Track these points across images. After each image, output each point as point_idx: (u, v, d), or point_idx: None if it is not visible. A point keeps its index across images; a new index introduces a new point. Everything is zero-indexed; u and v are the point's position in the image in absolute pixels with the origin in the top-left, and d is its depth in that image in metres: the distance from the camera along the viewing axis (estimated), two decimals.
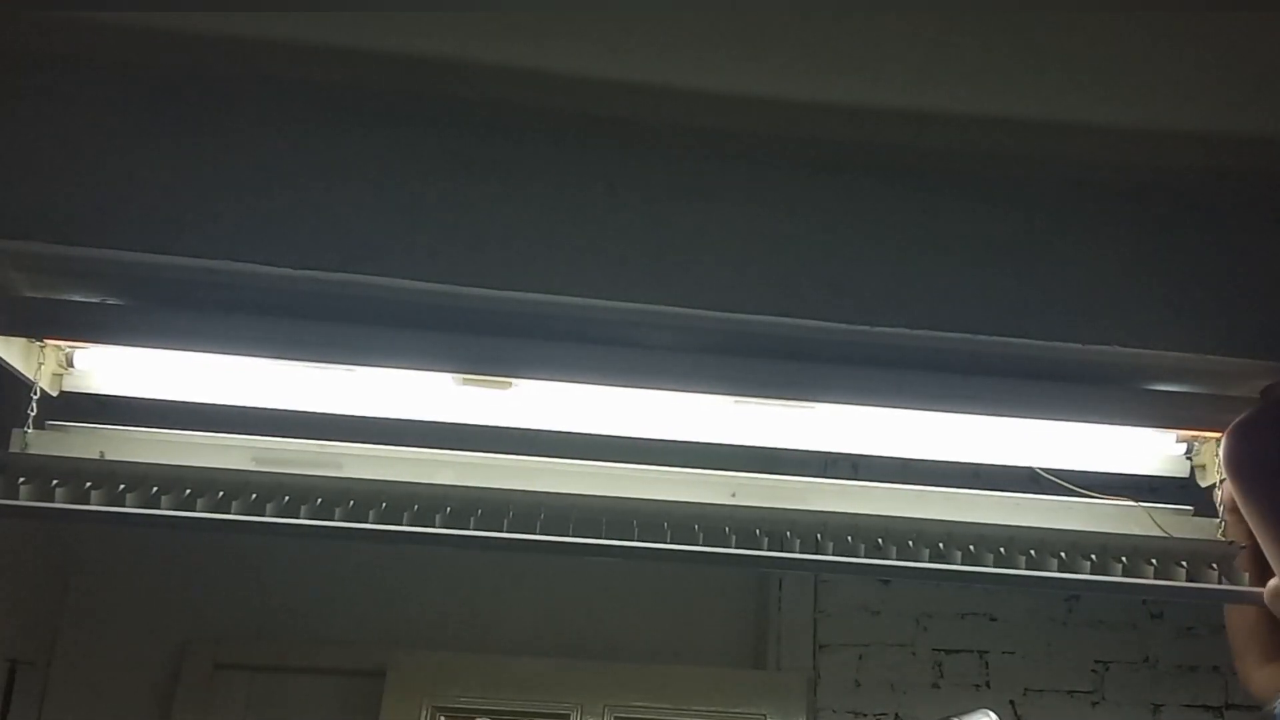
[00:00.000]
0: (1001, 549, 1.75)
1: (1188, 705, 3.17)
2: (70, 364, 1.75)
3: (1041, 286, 1.56)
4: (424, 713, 2.95)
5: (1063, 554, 1.76)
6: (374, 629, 3.05)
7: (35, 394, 1.70)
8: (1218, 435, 1.60)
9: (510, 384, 1.70)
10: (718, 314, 1.52)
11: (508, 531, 1.71)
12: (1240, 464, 1.44)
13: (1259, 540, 1.42)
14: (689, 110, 1.52)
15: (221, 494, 1.70)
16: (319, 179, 1.50)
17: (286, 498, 1.70)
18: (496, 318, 1.56)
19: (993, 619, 3.21)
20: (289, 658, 3.06)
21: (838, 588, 3.21)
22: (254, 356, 1.62)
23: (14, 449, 1.72)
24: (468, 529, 1.71)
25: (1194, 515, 1.77)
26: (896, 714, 3.14)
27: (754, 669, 3.14)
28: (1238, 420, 1.46)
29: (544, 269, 1.49)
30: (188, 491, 1.70)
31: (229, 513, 1.69)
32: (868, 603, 3.20)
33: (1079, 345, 1.54)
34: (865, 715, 3.14)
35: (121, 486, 1.69)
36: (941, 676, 3.18)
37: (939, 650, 3.19)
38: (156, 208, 1.46)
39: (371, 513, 1.71)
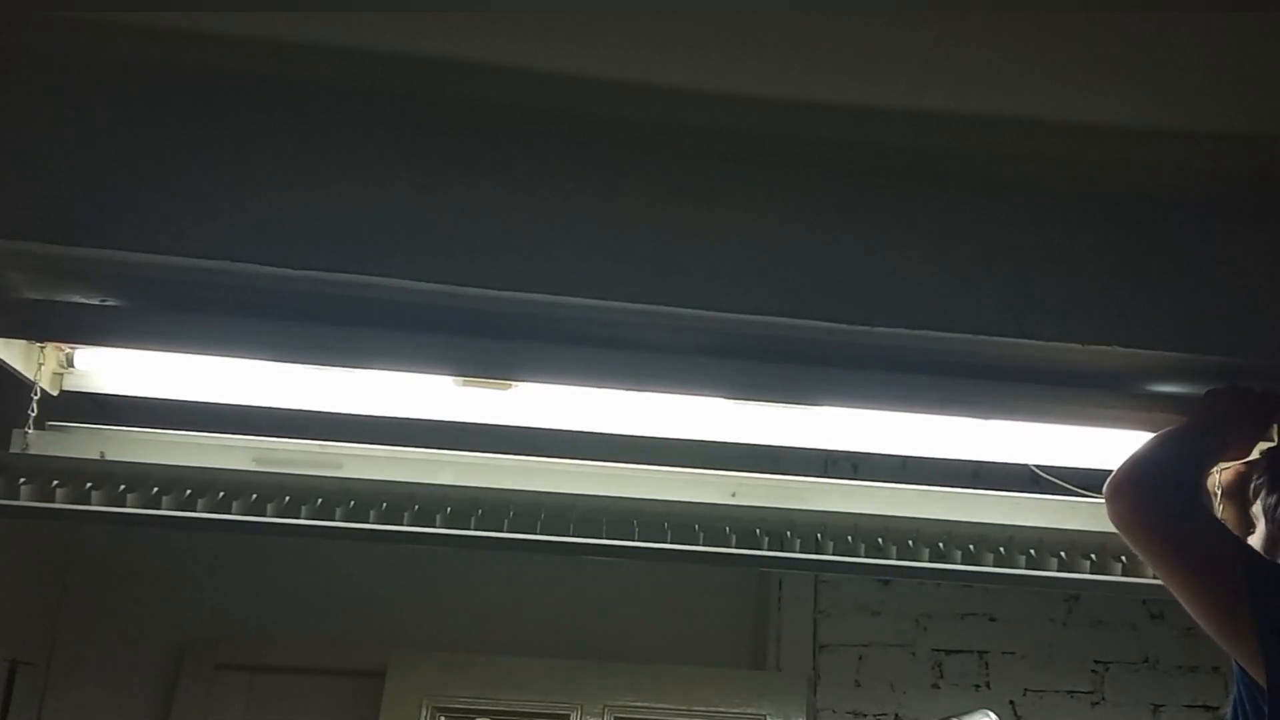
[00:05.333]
0: (1001, 548, 1.76)
1: (1188, 705, 3.16)
2: (70, 364, 1.75)
3: (1041, 286, 1.56)
4: (424, 713, 2.94)
5: (1062, 553, 1.76)
6: (374, 629, 3.04)
7: (35, 394, 1.70)
8: None
9: (510, 385, 1.70)
10: (718, 314, 1.52)
11: (508, 531, 1.71)
12: (1120, 523, 1.46)
13: (1168, 585, 1.43)
14: (689, 110, 1.52)
15: (221, 494, 1.70)
16: (319, 179, 1.50)
17: (287, 498, 1.70)
18: (496, 318, 1.56)
19: (993, 619, 3.20)
20: (289, 658, 3.05)
21: (838, 588, 3.20)
22: (254, 357, 1.62)
23: (14, 449, 1.72)
24: (468, 529, 1.71)
25: None
26: (896, 714, 3.13)
27: (754, 669, 3.13)
28: (1106, 483, 1.48)
29: (544, 269, 1.49)
30: (188, 491, 1.70)
31: (229, 513, 1.70)
32: (868, 603, 3.19)
33: (1079, 345, 1.54)
34: (865, 715, 3.13)
35: (122, 486, 1.69)
36: (941, 676, 3.17)
37: (939, 650, 3.18)
38: (156, 208, 1.46)
39: (371, 513, 1.71)
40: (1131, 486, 1.45)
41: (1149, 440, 1.52)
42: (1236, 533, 1.55)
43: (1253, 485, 1.56)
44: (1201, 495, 1.48)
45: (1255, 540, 1.50)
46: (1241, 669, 1.36)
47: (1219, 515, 1.63)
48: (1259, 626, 1.31)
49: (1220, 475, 1.63)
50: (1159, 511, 1.43)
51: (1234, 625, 1.33)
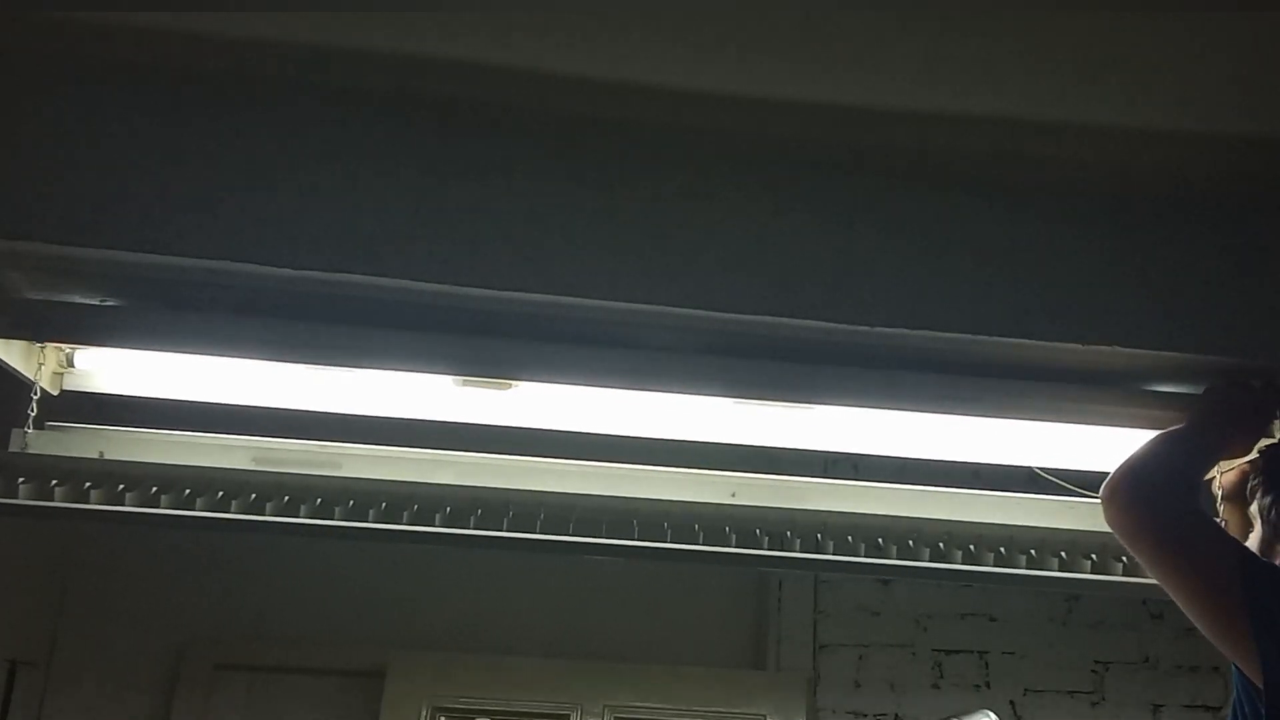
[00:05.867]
0: (1001, 549, 1.76)
1: (1188, 705, 3.16)
2: (70, 364, 1.75)
3: (1041, 287, 1.56)
4: (424, 713, 2.94)
5: (1063, 553, 1.76)
6: (374, 629, 3.04)
7: (35, 394, 1.70)
8: None
9: (510, 384, 1.70)
10: (718, 314, 1.52)
11: (508, 531, 1.71)
12: (1117, 526, 1.46)
13: (1165, 588, 1.42)
14: (689, 110, 1.52)
15: (221, 494, 1.70)
16: (319, 179, 1.50)
17: (286, 498, 1.70)
18: (496, 318, 1.56)
19: (993, 619, 3.20)
20: (289, 658, 3.05)
21: (838, 588, 3.20)
22: (254, 357, 1.62)
23: (14, 449, 1.72)
24: (467, 529, 1.71)
25: None
26: (896, 714, 3.13)
27: (754, 669, 3.13)
28: (1102, 486, 1.48)
29: (544, 269, 1.49)
30: (187, 491, 1.70)
31: (228, 512, 1.70)
32: (868, 603, 3.19)
33: (1079, 345, 1.54)
34: (865, 715, 3.13)
35: (121, 486, 1.69)
36: (941, 676, 3.17)
37: (939, 650, 3.18)
38: (156, 208, 1.46)
39: (371, 512, 1.71)
40: (1127, 489, 1.45)
41: (1146, 442, 1.51)
42: (1239, 534, 1.55)
43: (1249, 485, 1.56)
44: (1198, 497, 1.47)
45: (1252, 541, 1.50)
46: (1239, 672, 1.36)
47: (1221, 517, 1.63)
48: (1256, 628, 1.31)
49: (1222, 476, 1.63)
50: (1155, 514, 1.42)
51: (1231, 627, 1.33)
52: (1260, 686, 1.30)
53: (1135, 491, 1.44)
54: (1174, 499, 1.43)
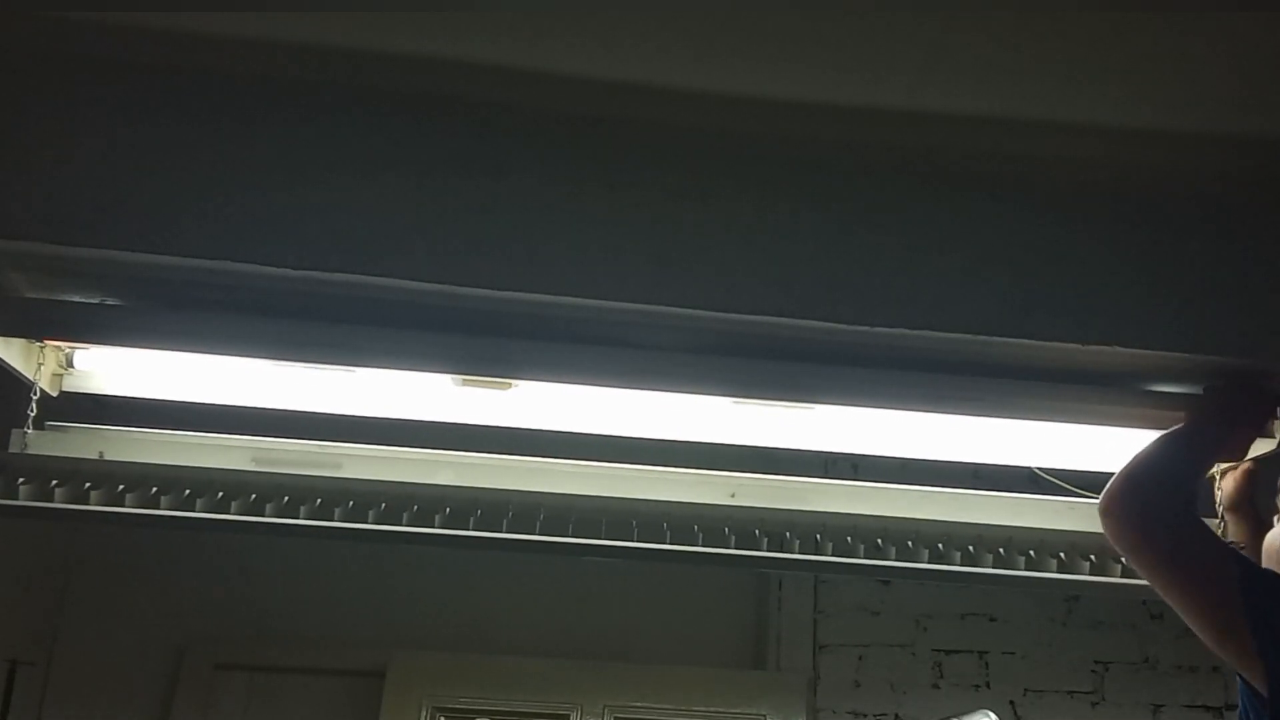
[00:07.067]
0: (1001, 549, 1.76)
1: (1188, 705, 3.16)
2: (70, 364, 1.75)
3: (1041, 287, 1.56)
4: (424, 713, 2.95)
5: (1062, 554, 1.76)
6: (374, 629, 3.05)
7: (35, 394, 1.70)
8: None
9: (510, 385, 1.70)
10: (718, 314, 1.52)
11: (507, 531, 1.71)
12: (1115, 537, 1.46)
13: (1165, 597, 1.42)
14: (689, 110, 1.52)
15: (220, 494, 1.70)
16: (319, 179, 1.50)
17: (286, 498, 1.70)
18: (496, 318, 1.56)
19: (993, 619, 3.20)
20: (289, 658, 3.05)
21: (838, 588, 3.20)
22: (254, 357, 1.62)
23: (14, 449, 1.72)
24: (467, 529, 1.71)
25: None
26: (896, 714, 3.13)
27: (754, 669, 3.14)
28: (1100, 496, 1.47)
29: (544, 269, 1.49)
30: (187, 492, 1.70)
31: (228, 513, 1.70)
32: (868, 603, 3.20)
33: (1079, 345, 1.54)
34: (865, 715, 3.13)
35: (120, 486, 1.69)
36: (941, 676, 3.17)
37: (939, 650, 3.19)
38: (156, 208, 1.46)
39: (371, 513, 1.71)
40: (1124, 501, 1.44)
41: (1143, 449, 1.51)
42: (1242, 539, 1.55)
43: (1261, 483, 1.55)
44: (1195, 504, 1.47)
45: (1273, 536, 1.49)
46: (1243, 680, 1.36)
47: (1220, 526, 1.63)
48: (1256, 635, 1.30)
49: (1221, 481, 1.63)
50: (1152, 525, 1.42)
51: (1232, 635, 1.33)
52: (1264, 694, 1.30)
53: (1131, 502, 1.44)
54: (1170, 509, 1.42)
